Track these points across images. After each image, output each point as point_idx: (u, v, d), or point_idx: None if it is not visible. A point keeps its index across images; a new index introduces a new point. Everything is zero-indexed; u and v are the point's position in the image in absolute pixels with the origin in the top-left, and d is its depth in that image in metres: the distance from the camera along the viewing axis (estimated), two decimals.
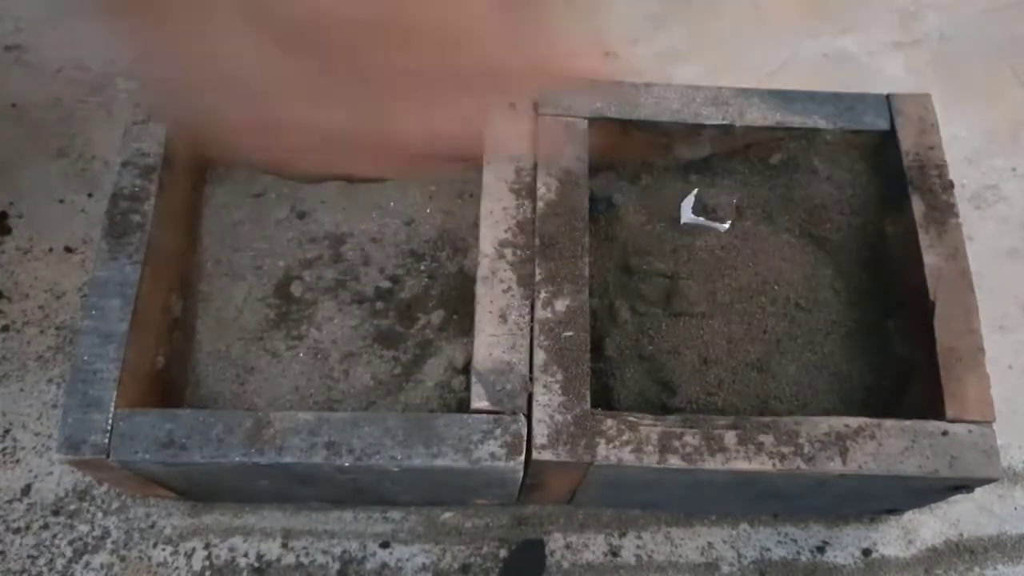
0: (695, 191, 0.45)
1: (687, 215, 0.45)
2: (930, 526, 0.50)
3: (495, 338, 0.41)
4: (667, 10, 0.65)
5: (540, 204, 0.43)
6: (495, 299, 0.42)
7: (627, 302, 0.45)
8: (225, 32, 0.37)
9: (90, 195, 0.57)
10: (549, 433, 0.39)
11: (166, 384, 0.44)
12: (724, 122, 0.46)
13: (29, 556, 0.48)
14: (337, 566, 0.48)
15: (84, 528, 0.48)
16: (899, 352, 0.44)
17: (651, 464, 0.38)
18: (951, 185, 0.45)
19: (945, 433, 0.40)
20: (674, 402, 0.43)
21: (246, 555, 0.48)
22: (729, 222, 0.45)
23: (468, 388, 0.41)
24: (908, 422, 0.40)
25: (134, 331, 0.41)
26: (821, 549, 0.49)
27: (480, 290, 0.42)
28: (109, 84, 0.61)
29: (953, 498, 0.48)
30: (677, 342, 0.44)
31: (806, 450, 0.39)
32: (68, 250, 0.55)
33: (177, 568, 0.47)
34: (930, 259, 0.42)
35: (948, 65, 0.63)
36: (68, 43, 0.62)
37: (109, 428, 0.39)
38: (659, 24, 0.65)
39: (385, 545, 0.49)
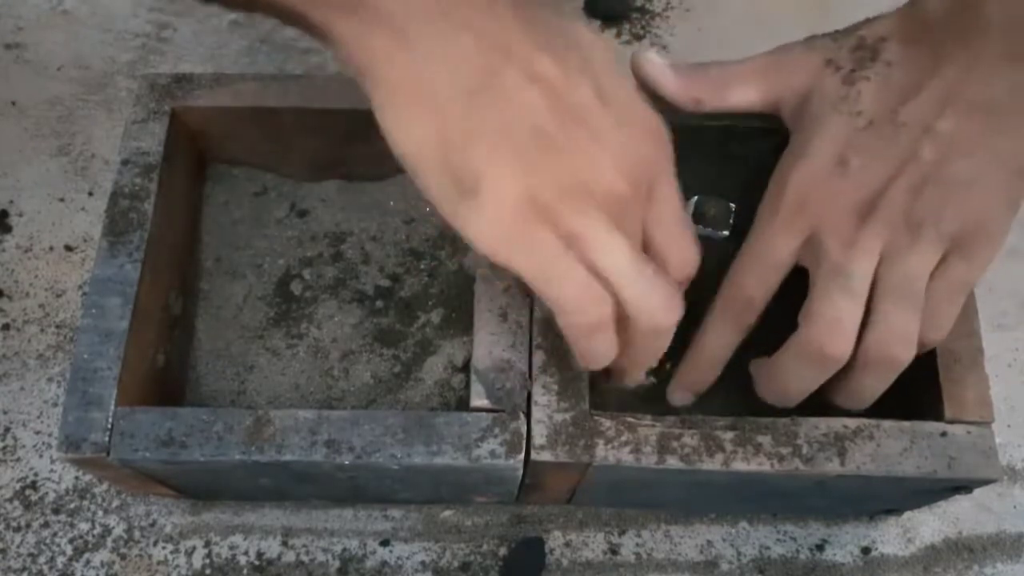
0: (694, 198, 0.45)
1: None
2: (929, 524, 0.50)
3: (495, 337, 0.41)
4: (668, 9, 0.65)
5: None
6: (495, 298, 0.42)
7: None
8: None
9: (90, 193, 0.57)
10: (548, 434, 0.39)
11: (166, 382, 0.44)
12: (725, 124, 0.46)
13: (30, 554, 0.48)
14: (337, 564, 0.48)
15: (84, 526, 0.48)
16: None
17: (649, 465, 0.38)
18: None
19: (944, 434, 0.40)
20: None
21: (246, 553, 0.48)
22: (727, 231, 0.45)
23: (468, 386, 0.41)
24: (907, 423, 0.40)
25: (134, 329, 0.41)
26: (820, 547, 0.49)
27: (480, 289, 0.42)
28: (110, 83, 0.61)
29: (952, 497, 0.48)
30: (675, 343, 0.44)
31: (804, 451, 0.39)
32: (68, 248, 0.55)
33: (177, 566, 0.48)
34: None
35: None
36: (69, 42, 0.62)
37: (109, 426, 0.39)
38: (658, 23, 0.65)
39: (385, 543, 0.49)
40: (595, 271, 0.34)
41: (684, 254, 0.38)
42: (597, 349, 0.36)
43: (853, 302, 0.38)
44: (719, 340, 0.41)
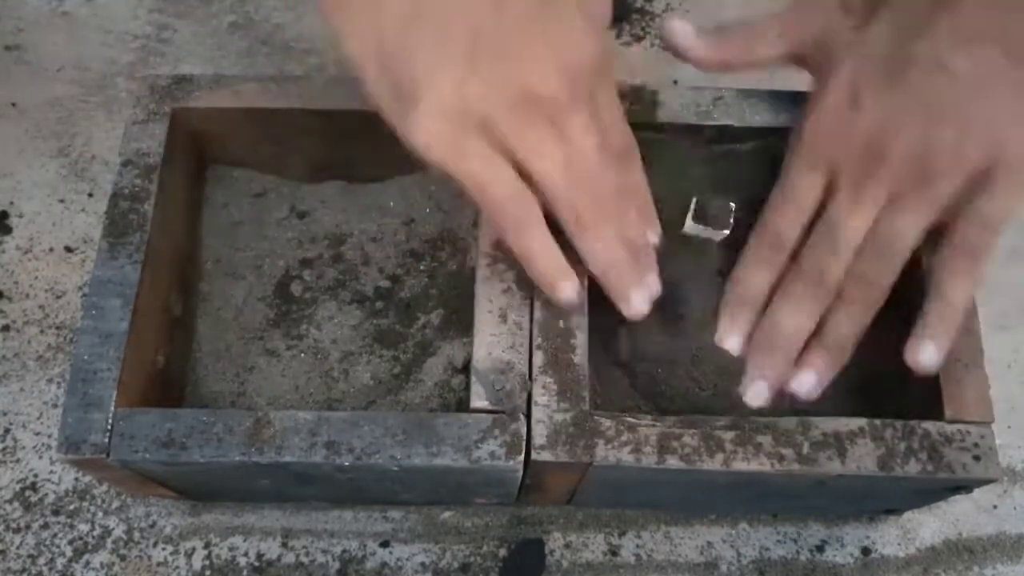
0: (695, 198, 0.45)
1: (688, 224, 0.45)
2: (929, 525, 0.50)
3: (495, 338, 0.41)
4: (667, 10, 0.65)
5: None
6: (495, 299, 0.42)
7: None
8: None
9: (90, 195, 0.57)
10: (548, 434, 0.39)
11: (166, 383, 0.44)
12: (724, 123, 0.46)
13: (29, 556, 0.48)
14: (337, 565, 0.48)
15: (84, 527, 0.48)
16: (898, 352, 0.44)
17: (650, 465, 0.38)
18: None
19: (944, 434, 0.39)
20: (667, 399, 0.44)
21: (246, 554, 0.48)
22: (727, 230, 0.45)
23: (468, 388, 0.41)
24: (907, 423, 0.40)
25: (134, 331, 0.41)
26: (820, 548, 0.49)
27: (480, 290, 0.42)
28: (109, 84, 0.61)
29: (952, 497, 0.48)
30: (674, 344, 0.44)
31: (805, 450, 0.39)
32: (68, 250, 0.55)
33: (177, 567, 0.48)
34: (929, 258, 0.42)
35: None
36: (69, 43, 0.62)
37: (109, 427, 0.39)
38: (658, 24, 0.65)
39: (385, 544, 0.49)
40: (526, 175, 0.36)
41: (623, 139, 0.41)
42: (533, 247, 0.38)
43: (836, 259, 0.40)
44: (754, 278, 0.42)
